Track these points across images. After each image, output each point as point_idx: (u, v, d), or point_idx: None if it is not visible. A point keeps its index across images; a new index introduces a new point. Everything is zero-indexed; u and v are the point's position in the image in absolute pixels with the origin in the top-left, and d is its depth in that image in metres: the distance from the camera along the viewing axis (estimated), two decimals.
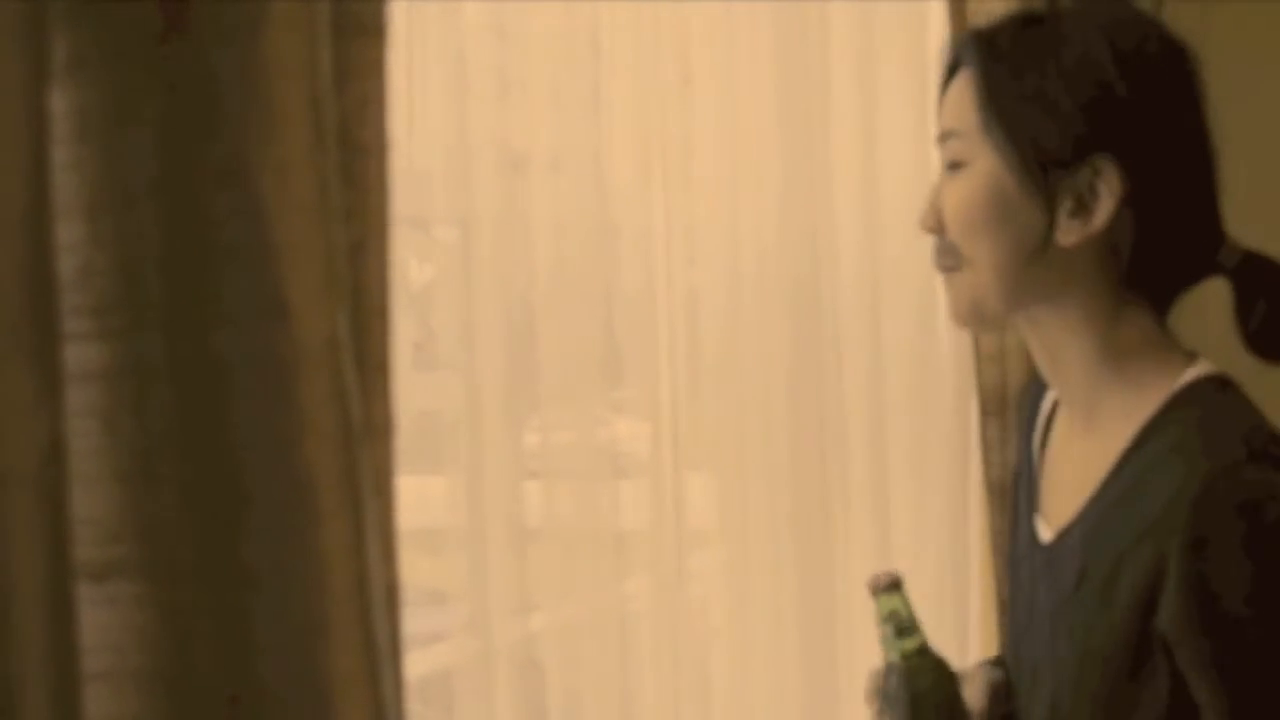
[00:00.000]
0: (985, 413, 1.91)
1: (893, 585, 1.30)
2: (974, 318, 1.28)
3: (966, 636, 2.02)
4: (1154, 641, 1.14)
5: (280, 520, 0.64)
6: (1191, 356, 1.24)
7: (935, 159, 1.91)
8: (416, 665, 1.27)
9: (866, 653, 1.62)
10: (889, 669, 1.31)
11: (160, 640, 0.62)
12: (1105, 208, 1.19)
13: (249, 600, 0.63)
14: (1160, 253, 1.22)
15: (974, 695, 1.35)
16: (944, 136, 1.27)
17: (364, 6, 0.71)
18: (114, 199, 0.62)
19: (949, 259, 1.26)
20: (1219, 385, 1.21)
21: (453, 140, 1.37)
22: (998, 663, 1.41)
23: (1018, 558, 1.37)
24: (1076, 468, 1.28)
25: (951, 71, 1.28)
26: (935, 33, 1.91)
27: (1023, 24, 1.25)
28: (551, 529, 1.56)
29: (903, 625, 1.30)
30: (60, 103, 0.61)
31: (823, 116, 1.86)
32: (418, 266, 1.48)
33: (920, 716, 1.29)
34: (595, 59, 1.57)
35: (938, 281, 1.98)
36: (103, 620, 0.62)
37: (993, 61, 1.23)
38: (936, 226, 1.26)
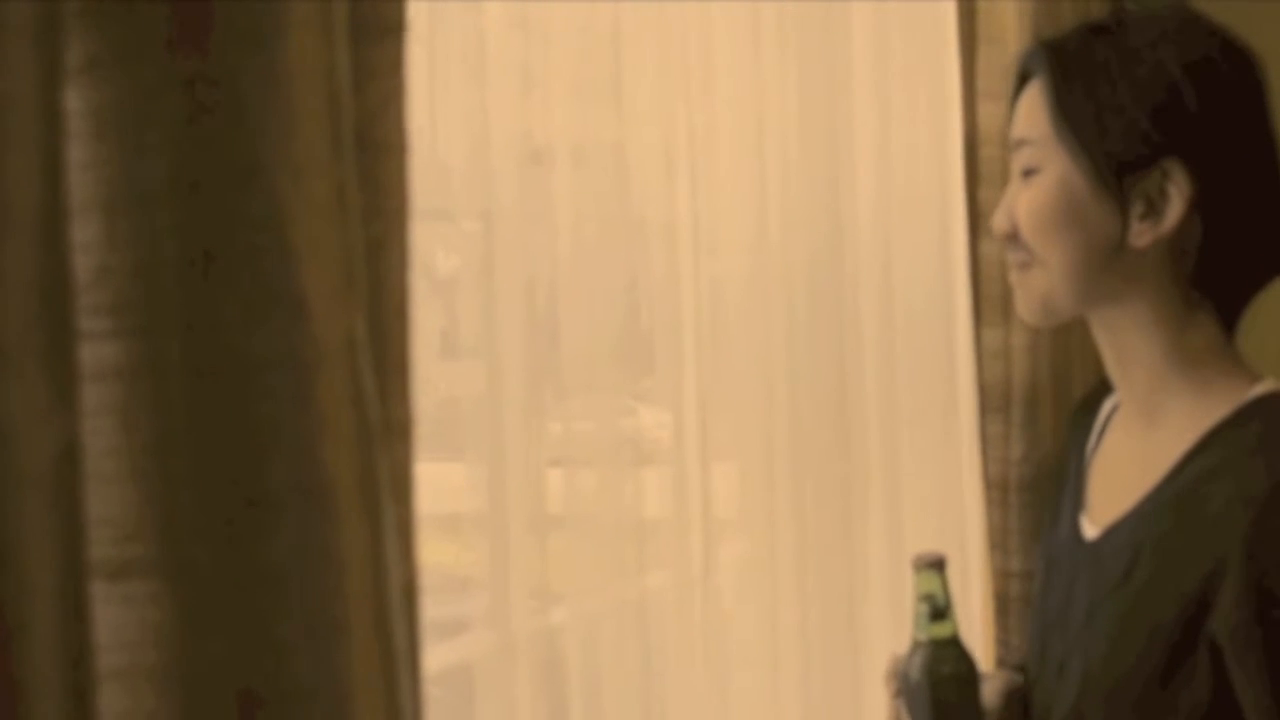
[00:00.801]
0: (987, 409, 1.90)
1: (934, 565, 1.29)
2: (1044, 314, 1.32)
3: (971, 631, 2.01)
4: (1199, 644, 1.15)
5: (297, 520, 0.64)
6: (1257, 375, 1.27)
7: (952, 153, 1.93)
8: (437, 658, 1.27)
9: (887, 645, 1.62)
10: (914, 648, 1.30)
11: (176, 639, 0.63)
12: (1175, 209, 1.23)
13: (265, 600, 0.63)
14: (1227, 254, 1.26)
15: (992, 695, 1.35)
16: (1017, 145, 1.32)
17: (383, 6, 0.71)
18: (131, 198, 0.61)
19: (1023, 255, 1.30)
20: None
21: (475, 134, 1.37)
22: (1019, 669, 1.41)
23: (1053, 556, 1.38)
24: (1131, 467, 1.30)
25: (1022, 81, 1.33)
26: (949, 31, 1.92)
27: (1090, 33, 1.29)
28: (574, 516, 1.56)
29: (938, 608, 1.29)
30: (77, 102, 0.61)
31: (845, 108, 1.85)
32: (444, 256, 1.48)
33: (937, 703, 1.29)
34: (617, 52, 1.56)
35: (952, 274, 2.00)
36: (118, 619, 0.62)
37: (1062, 70, 1.28)
38: (1010, 230, 1.30)
